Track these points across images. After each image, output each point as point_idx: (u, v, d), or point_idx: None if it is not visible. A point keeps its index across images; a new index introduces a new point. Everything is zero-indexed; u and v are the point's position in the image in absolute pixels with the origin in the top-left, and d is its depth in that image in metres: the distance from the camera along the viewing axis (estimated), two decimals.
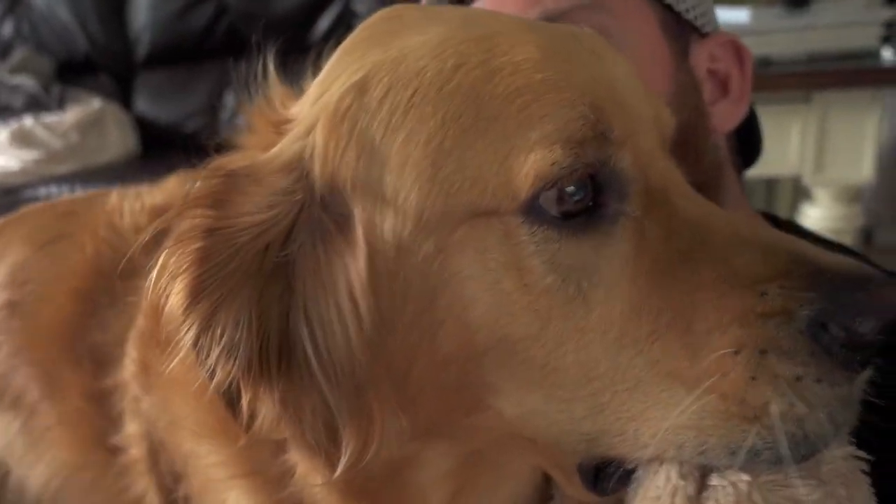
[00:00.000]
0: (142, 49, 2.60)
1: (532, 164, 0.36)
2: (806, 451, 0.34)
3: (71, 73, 2.68)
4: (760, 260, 0.35)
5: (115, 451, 0.59)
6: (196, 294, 0.39)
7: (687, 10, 0.60)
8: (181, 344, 0.40)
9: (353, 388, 0.40)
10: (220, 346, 0.39)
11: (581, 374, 0.37)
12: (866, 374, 0.35)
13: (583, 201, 0.37)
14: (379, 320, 0.39)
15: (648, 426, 0.36)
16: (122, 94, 2.61)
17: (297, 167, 0.41)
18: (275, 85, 0.48)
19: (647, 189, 0.38)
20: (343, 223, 0.40)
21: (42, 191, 2.10)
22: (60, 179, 2.12)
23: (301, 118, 0.43)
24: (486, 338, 0.38)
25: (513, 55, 0.38)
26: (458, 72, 0.38)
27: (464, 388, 0.40)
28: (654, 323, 0.36)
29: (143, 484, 0.58)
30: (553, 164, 0.36)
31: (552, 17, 0.54)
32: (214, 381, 0.40)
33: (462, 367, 0.39)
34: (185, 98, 2.53)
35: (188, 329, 0.39)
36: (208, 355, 0.39)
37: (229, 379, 0.40)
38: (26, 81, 2.54)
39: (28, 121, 2.26)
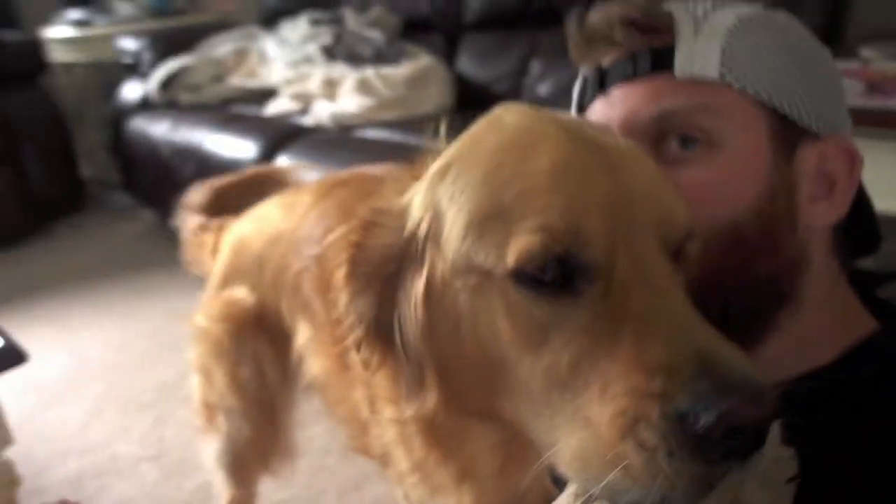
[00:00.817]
0: (470, 14, 2.88)
1: (517, 244, 0.49)
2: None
3: (412, 30, 3.08)
4: (666, 351, 0.44)
5: (349, 366, 0.82)
6: (348, 279, 0.59)
7: (801, 117, 0.62)
8: (338, 304, 0.61)
9: (417, 363, 0.58)
10: (356, 314, 0.59)
11: (542, 397, 0.50)
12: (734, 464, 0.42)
13: (554, 277, 0.48)
14: (429, 326, 0.56)
15: (564, 450, 0.47)
16: (449, 53, 2.94)
17: (408, 216, 0.58)
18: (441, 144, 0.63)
19: (611, 278, 0.48)
20: (422, 257, 0.56)
21: (369, 132, 2.52)
22: (385, 125, 2.51)
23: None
24: (489, 354, 0.53)
25: (534, 164, 0.51)
26: (498, 171, 0.53)
27: (481, 385, 0.55)
28: (586, 377, 0.47)
29: (361, 392, 0.81)
30: (529, 247, 0.48)
31: (666, 116, 0.62)
32: (351, 335, 0.60)
33: (478, 370, 0.55)
34: (498, 61, 2.76)
35: (342, 297, 0.60)
36: (349, 316, 0.59)
37: (358, 337, 0.60)
38: (376, 35, 2.99)
39: (370, 71, 2.68)
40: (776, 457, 0.47)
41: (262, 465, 1.27)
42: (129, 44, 3.31)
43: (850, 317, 0.68)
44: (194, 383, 1.24)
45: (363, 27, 3.06)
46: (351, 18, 3.12)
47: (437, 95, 2.66)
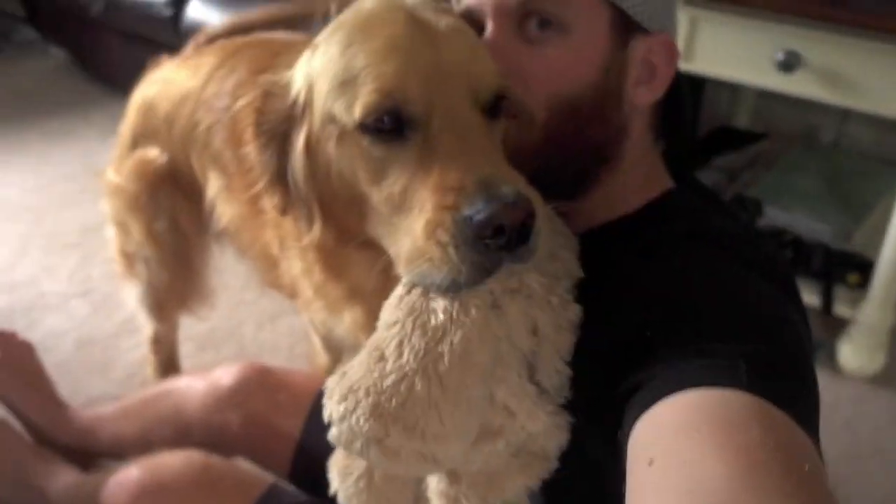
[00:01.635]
0: None
1: (360, 102, 0.65)
2: (452, 287, 0.61)
3: None
4: (459, 177, 0.61)
5: (260, 211, 0.98)
6: (254, 137, 0.76)
7: (635, 14, 0.76)
8: (249, 157, 0.77)
9: (305, 201, 0.75)
10: (262, 165, 0.76)
11: (387, 220, 0.67)
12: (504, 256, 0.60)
13: (388, 127, 0.65)
14: (309, 171, 0.73)
15: (399, 255, 0.66)
16: None
17: (292, 85, 0.74)
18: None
19: (428, 127, 0.64)
20: (302, 117, 0.73)
21: None
22: None
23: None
24: (352, 189, 0.70)
25: (375, 42, 0.66)
26: (349, 48, 0.68)
27: (351, 214, 0.72)
28: (411, 200, 0.64)
29: (271, 232, 0.98)
30: (367, 104, 0.64)
31: (527, 1, 0.73)
32: (261, 181, 0.77)
33: (347, 203, 0.72)
34: None
35: (252, 152, 0.77)
36: (258, 167, 0.76)
37: (265, 184, 0.77)
38: None
39: None
40: (550, 254, 0.67)
41: (180, 305, 1.44)
42: None
43: (654, 180, 0.83)
44: (110, 234, 1.37)
45: None
46: None
47: None
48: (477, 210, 0.58)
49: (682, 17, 1.58)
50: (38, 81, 3.17)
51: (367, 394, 0.59)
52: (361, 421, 0.58)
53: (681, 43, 1.61)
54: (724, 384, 0.55)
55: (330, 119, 0.69)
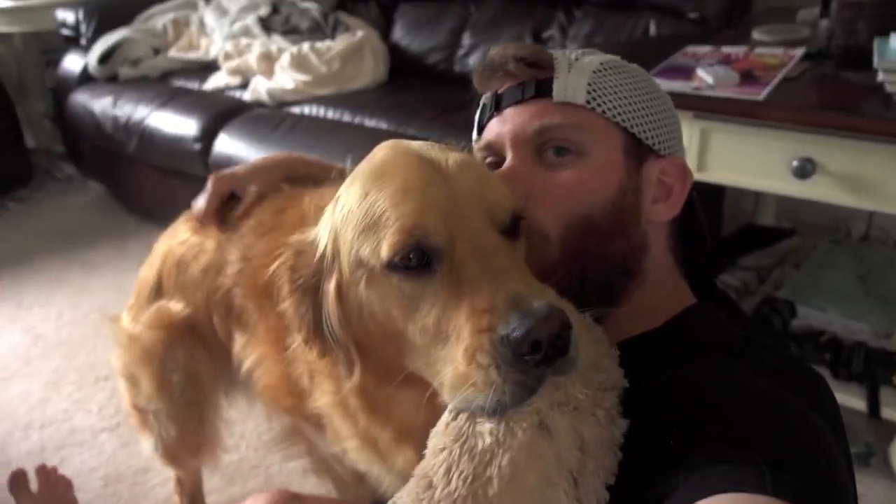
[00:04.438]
0: None
1: (385, 244, 0.67)
2: (498, 409, 0.60)
3: (349, 1, 3.13)
4: (490, 298, 0.61)
5: (286, 348, 0.98)
6: (290, 293, 0.78)
7: (647, 138, 0.83)
8: (287, 313, 0.80)
9: (343, 347, 0.77)
10: (300, 318, 0.78)
11: (425, 352, 0.68)
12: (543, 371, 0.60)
13: (415, 263, 0.67)
14: (343, 316, 0.75)
15: (442, 384, 0.66)
16: (385, 24, 3.01)
17: (319, 240, 0.78)
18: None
19: (452, 256, 0.66)
20: (332, 267, 0.75)
21: (306, 108, 2.61)
22: (320, 100, 2.60)
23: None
24: (386, 327, 0.71)
25: (391, 187, 0.70)
26: (368, 196, 0.71)
27: (390, 352, 0.73)
28: (446, 329, 0.65)
29: (301, 367, 0.99)
30: (392, 245, 0.67)
31: (545, 130, 0.80)
32: (301, 334, 0.79)
33: (384, 341, 0.73)
34: (432, 33, 2.85)
35: (289, 308, 0.79)
36: (296, 321, 0.79)
37: (305, 335, 0.79)
38: (312, 6, 3.04)
39: (306, 46, 2.75)
40: (593, 364, 0.66)
41: (193, 456, 1.43)
42: (67, 16, 3.29)
43: (677, 297, 0.85)
44: (121, 387, 1.37)
45: None
46: None
47: (372, 69, 2.74)
48: (512, 328, 0.58)
49: (693, 130, 1.61)
50: (79, 215, 3.31)
51: None
52: None
53: (693, 154, 1.63)
54: (749, 489, 0.55)
55: (358, 264, 0.71)
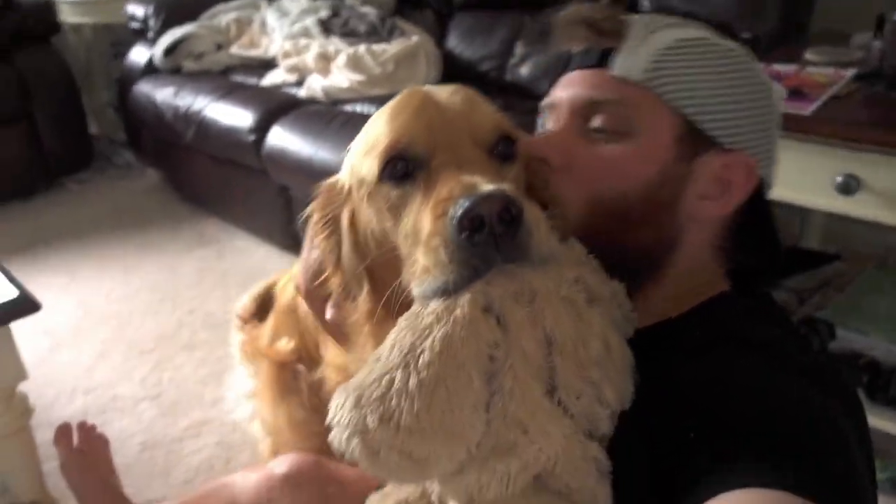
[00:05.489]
0: None
1: (377, 157, 0.73)
2: (445, 290, 0.62)
3: (405, 7, 3.21)
4: (450, 194, 0.63)
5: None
6: (320, 230, 0.83)
7: (711, 130, 0.76)
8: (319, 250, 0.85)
9: (353, 271, 0.81)
10: (327, 251, 0.83)
11: (409, 259, 0.69)
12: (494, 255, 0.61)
13: (401, 172, 0.72)
14: (353, 240, 0.80)
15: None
16: (439, 31, 3.08)
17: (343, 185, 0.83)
18: None
19: (430, 166, 0.70)
20: (348, 199, 0.81)
21: (358, 107, 2.68)
22: (373, 100, 2.67)
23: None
24: (384, 245, 0.74)
25: (389, 118, 0.75)
26: (371, 126, 0.78)
27: (390, 272, 0.73)
28: (420, 229, 0.67)
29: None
30: (380, 154, 0.72)
31: (596, 101, 0.78)
32: (328, 268, 0.83)
33: (386, 265, 0.74)
34: (485, 41, 2.90)
35: (320, 244, 0.83)
36: (324, 254, 0.83)
37: (331, 268, 0.83)
38: (371, 11, 3.12)
39: (362, 48, 2.83)
40: (568, 264, 0.67)
41: None
42: (136, 10, 3.45)
43: (707, 286, 0.81)
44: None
45: (359, 3, 3.20)
46: None
47: (425, 73, 2.81)
48: (458, 207, 0.60)
49: None
50: (135, 199, 3.45)
51: (355, 389, 0.59)
52: (346, 412, 0.58)
53: None
54: (771, 486, 0.54)
55: (360, 184, 0.76)
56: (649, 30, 0.78)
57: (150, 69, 3.33)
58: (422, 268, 0.63)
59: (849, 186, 1.49)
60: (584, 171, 0.76)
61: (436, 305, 0.61)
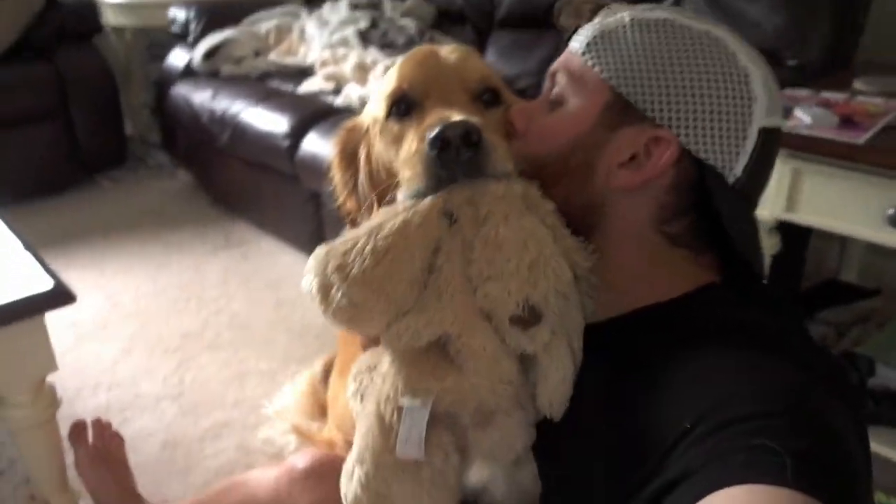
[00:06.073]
0: (501, 11, 3.02)
1: (384, 100, 0.88)
2: (417, 195, 0.76)
3: (445, 21, 3.22)
4: (431, 123, 0.77)
5: None
6: (338, 163, 0.99)
7: (640, 104, 0.77)
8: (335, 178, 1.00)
9: (367, 199, 0.91)
10: (343, 182, 0.98)
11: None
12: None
13: (404, 110, 0.86)
14: (368, 172, 0.93)
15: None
16: (478, 47, 3.08)
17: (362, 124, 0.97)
18: None
19: (424, 105, 0.84)
20: (365, 138, 0.94)
21: None
22: None
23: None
24: (392, 174, 0.85)
25: (399, 68, 0.90)
26: (388, 76, 0.91)
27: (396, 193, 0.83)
28: (411, 146, 0.80)
29: None
30: (387, 96, 0.88)
31: (551, 73, 0.86)
32: (342, 196, 0.98)
33: (391, 181, 0.85)
34: (523, 59, 2.90)
35: (335, 172, 0.99)
36: (340, 184, 0.98)
37: (344, 196, 0.98)
38: (410, 24, 3.14)
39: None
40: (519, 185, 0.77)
41: None
42: (178, 13, 3.50)
43: (684, 276, 0.80)
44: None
45: (399, 15, 3.21)
46: (388, 5, 3.27)
47: None
48: (432, 131, 0.74)
49: (785, 169, 1.59)
50: (165, 200, 3.47)
51: (329, 246, 0.74)
52: (316, 259, 0.73)
53: (783, 193, 1.61)
54: (770, 481, 0.53)
55: (374, 122, 0.91)
56: (613, 11, 0.84)
57: (188, 72, 3.36)
58: (406, 179, 0.78)
59: None
60: (529, 136, 0.85)
61: (407, 203, 0.76)
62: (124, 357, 2.26)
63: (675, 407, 0.64)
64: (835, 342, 2.02)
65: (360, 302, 0.70)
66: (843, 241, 2.21)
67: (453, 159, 0.73)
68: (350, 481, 0.76)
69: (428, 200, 0.74)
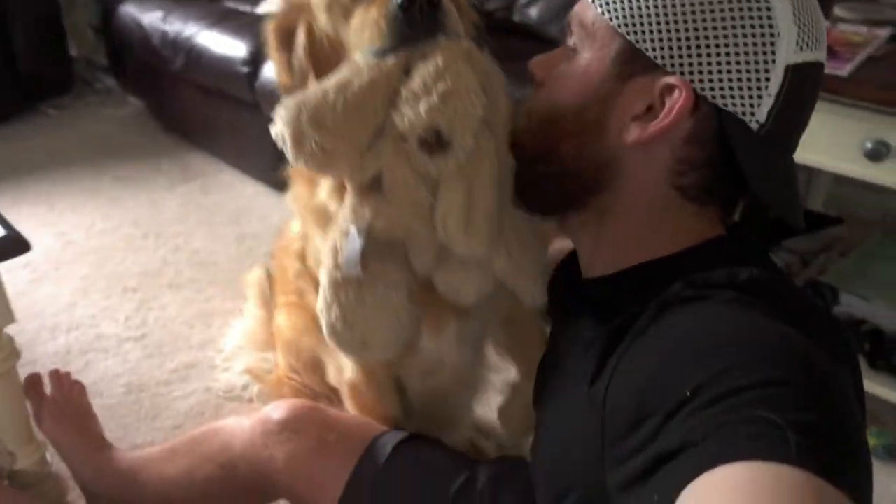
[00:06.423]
0: None
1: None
2: (382, 52, 0.84)
3: None
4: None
5: None
6: (275, 40, 0.99)
7: (652, 53, 0.73)
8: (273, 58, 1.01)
9: (304, 73, 0.98)
10: (280, 60, 0.99)
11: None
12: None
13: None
14: (309, 49, 0.98)
15: None
16: None
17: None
18: None
19: None
20: (303, 14, 0.97)
21: None
22: None
23: None
24: (336, 35, 0.92)
25: None
26: None
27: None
28: (368, 13, 0.87)
29: None
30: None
31: (567, 22, 0.83)
32: (278, 74, 1.00)
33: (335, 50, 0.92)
34: None
35: (273, 53, 1.00)
36: (277, 62, 1.00)
37: (279, 72, 1.00)
38: None
39: None
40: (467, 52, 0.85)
41: None
42: None
43: (692, 230, 0.78)
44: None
45: None
46: None
47: None
48: None
49: None
50: (115, 129, 3.29)
51: (299, 98, 0.82)
52: (288, 110, 0.82)
53: None
54: (773, 458, 0.50)
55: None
56: None
57: None
58: (364, 40, 0.84)
59: (879, 153, 1.43)
60: (547, 86, 0.83)
61: (373, 61, 0.83)
62: (82, 298, 2.18)
63: (674, 372, 0.62)
64: (800, 270, 2.04)
65: (330, 149, 0.81)
66: (809, 171, 2.20)
67: (417, 18, 0.80)
68: (322, 315, 0.90)
69: (392, 60, 0.82)
